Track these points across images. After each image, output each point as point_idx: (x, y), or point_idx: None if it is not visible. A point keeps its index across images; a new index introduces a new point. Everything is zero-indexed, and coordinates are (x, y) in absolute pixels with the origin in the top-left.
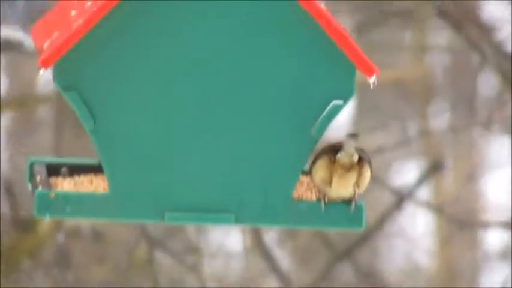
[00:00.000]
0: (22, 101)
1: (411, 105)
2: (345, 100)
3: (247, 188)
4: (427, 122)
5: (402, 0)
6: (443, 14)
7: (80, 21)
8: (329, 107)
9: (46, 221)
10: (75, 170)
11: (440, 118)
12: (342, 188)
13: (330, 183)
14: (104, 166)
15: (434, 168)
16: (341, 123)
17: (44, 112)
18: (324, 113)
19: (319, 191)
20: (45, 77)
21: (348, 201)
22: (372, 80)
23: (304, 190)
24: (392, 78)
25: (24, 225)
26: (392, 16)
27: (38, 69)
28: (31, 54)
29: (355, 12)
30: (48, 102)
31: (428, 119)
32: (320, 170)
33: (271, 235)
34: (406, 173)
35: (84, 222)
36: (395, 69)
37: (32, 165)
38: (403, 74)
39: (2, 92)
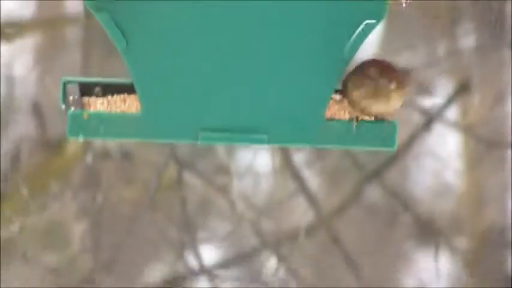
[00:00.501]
0: (50, 22)
1: (439, 25)
2: (378, 19)
3: (280, 109)
4: (455, 42)
5: None
6: None
7: None
8: (361, 26)
9: (74, 142)
10: (109, 89)
11: (467, 38)
12: (383, 104)
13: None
14: (136, 86)
15: (462, 89)
16: (369, 44)
17: (73, 33)
18: (357, 33)
19: (354, 108)
20: None
21: (380, 119)
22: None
23: (337, 109)
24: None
25: (53, 147)
26: None
27: None
28: None
29: None
30: (77, 23)
31: (456, 39)
32: (363, 88)
33: (300, 155)
34: (435, 93)
35: (113, 143)
36: None
37: (65, 85)
38: None
39: (30, 12)
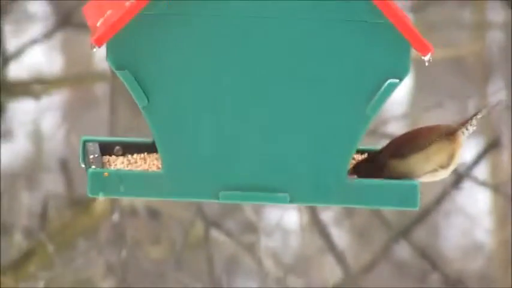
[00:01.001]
0: (78, 79)
1: (469, 83)
2: (400, 78)
3: (302, 167)
4: (485, 100)
5: None
6: None
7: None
8: (384, 85)
9: (102, 200)
10: (129, 148)
11: (498, 96)
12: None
13: (449, 163)
14: (158, 144)
15: (491, 147)
16: (399, 101)
17: (100, 89)
18: (380, 91)
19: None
20: (100, 55)
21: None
22: (427, 58)
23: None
24: (451, 57)
25: (80, 205)
26: None
27: (92, 47)
28: (88, 31)
29: None
30: (104, 80)
31: (486, 97)
32: (440, 154)
33: (328, 214)
34: (464, 151)
35: (140, 201)
36: (454, 47)
37: (84, 144)
38: (461, 52)
39: (58, 69)
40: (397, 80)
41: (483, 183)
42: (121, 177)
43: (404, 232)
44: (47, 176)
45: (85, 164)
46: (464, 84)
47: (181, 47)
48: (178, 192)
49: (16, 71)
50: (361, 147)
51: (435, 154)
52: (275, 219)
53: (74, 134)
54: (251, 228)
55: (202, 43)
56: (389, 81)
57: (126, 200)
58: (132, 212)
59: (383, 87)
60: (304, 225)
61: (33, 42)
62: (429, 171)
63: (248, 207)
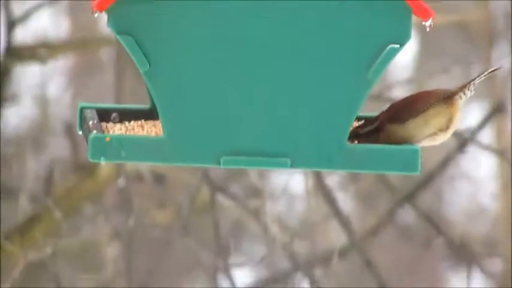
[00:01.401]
0: (84, 43)
1: (474, 49)
2: (402, 44)
3: (303, 133)
4: (490, 65)
5: None
6: None
7: None
8: (385, 50)
9: (107, 165)
10: (126, 115)
11: (502, 61)
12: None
13: (448, 127)
14: (159, 109)
15: (496, 112)
16: (404, 66)
17: (106, 54)
18: (381, 57)
19: (407, 139)
20: (106, 20)
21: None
22: (428, 23)
23: None
24: (456, 23)
25: (85, 169)
26: None
27: (93, 12)
28: None
29: None
30: (110, 44)
31: (491, 63)
32: (438, 117)
33: (333, 178)
34: (469, 116)
35: (145, 166)
36: (459, 13)
37: (82, 111)
38: (466, 18)
39: (64, 34)
40: (398, 45)
41: (487, 148)
42: (122, 142)
43: (408, 197)
44: (53, 139)
45: (83, 131)
46: (469, 50)
47: (182, 15)
48: (179, 157)
49: (22, 35)
50: (359, 114)
51: (433, 118)
52: (280, 184)
53: (79, 98)
54: (255, 193)
55: (203, 14)
56: (390, 46)
57: (131, 165)
58: (138, 177)
59: (384, 53)
60: (309, 190)
61: (39, 6)
62: (428, 135)
63: (252, 172)
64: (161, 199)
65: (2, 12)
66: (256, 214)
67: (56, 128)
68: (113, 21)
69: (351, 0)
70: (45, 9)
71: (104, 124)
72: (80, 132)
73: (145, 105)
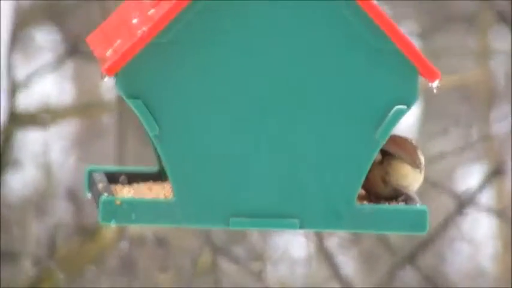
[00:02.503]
0: (87, 108)
1: (474, 110)
2: (409, 105)
3: (312, 193)
4: (489, 127)
5: (465, 0)
6: (504, 18)
7: (145, 28)
8: (392, 111)
9: (110, 229)
10: (133, 178)
11: (502, 123)
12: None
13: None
14: (169, 172)
15: (495, 173)
16: (405, 128)
17: (108, 119)
18: (388, 117)
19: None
20: (108, 84)
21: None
22: (435, 84)
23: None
24: (456, 84)
25: (88, 233)
26: (455, 21)
27: (102, 77)
28: (96, 61)
29: (418, 17)
30: (112, 109)
31: (490, 124)
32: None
33: (333, 241)
34: (468, 178)
35: (148, 229)
36: (459, 74)
37: (90, 174)
38: (466, 79)
39: (67, 98)
40: (405, 107)
41: (487, 209)
42: (132, 205)
43: (409, 258)
44: (55, 204)
45: (92, 193)
46: (469, 111)
47: (192, 75)
48: (189, 219)
49: (24, 100)
50: None
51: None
52: (282, 246)
53: (82, 163)
54: (257, 256)
55: (211, 71)
56: (397, 107)
57: (134, 229)
58: (141, 240)
59: (391, 113)
60: (311, 253)
61: (42, 71)
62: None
63: (254, 235)
64: (164, 262)
65: (4, 77)
66: (259, 277)
67: (58, 193)
68: (122, 85)
69: (359, 55)
70: (48, 74)
71: (113, 186)
72: (89, 195)
73: (152, 167)
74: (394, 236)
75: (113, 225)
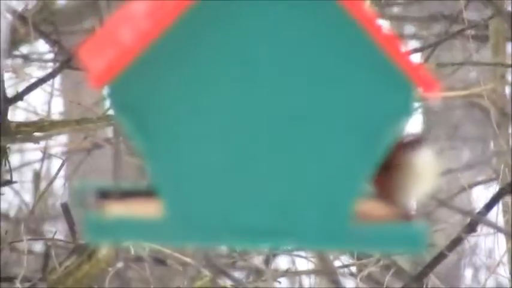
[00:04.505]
0: (79, 123)
1: (485, 126)
2: (404, 117)
3: (307, 210)
4: (501, 143)
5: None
6: None
7: (135, 39)
8: (388, 124)
9: (106, 248)
10: (125, 194)
11: None
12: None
13: None
14: (159, 188)
15: (505, 193)
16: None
17: (102, 134)
18: (384, 131)
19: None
20: (103, 98)
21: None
22: (433, 95)
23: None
24: (467, 99)
25: (84, 253)
26: (467, 36)
27: (91, 89)
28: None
29: (429, 30)
30: (106, 124)
31: (501, 140)
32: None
33: (337, 262)
34: (479, 196)
35: (145, 249)
36: (470, 89)
37: (80, 191)
38: (478, 93)
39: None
40: (402, 121)
41: (497, 229)
42: (120, 222)
43: (418, 278)
44: (49, 222)
45: (83, 210)
46: (480, 127)
47: (183, 87)
48: (180, 237)
49: (15, 115)
50: None
51: None
52: (284, 266)
53: (76, 179)
54: (259, 275)
55: (203, 82)
56: (393, 120)
57: (130, 248)
58: (137, 260)
59: (387, 127)
60: (313, 271)
61: (34, 85)
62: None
63: (255, 254)
64: (161, 282)
65: None
66: None
67: (52, 210)
68: (111, 97)
69: (350, 69)
70: (41, 88)
71: (103, 203)
72: (80, 212)
73: (144, 184)
74: (401, 256)
75: (100, 243)
